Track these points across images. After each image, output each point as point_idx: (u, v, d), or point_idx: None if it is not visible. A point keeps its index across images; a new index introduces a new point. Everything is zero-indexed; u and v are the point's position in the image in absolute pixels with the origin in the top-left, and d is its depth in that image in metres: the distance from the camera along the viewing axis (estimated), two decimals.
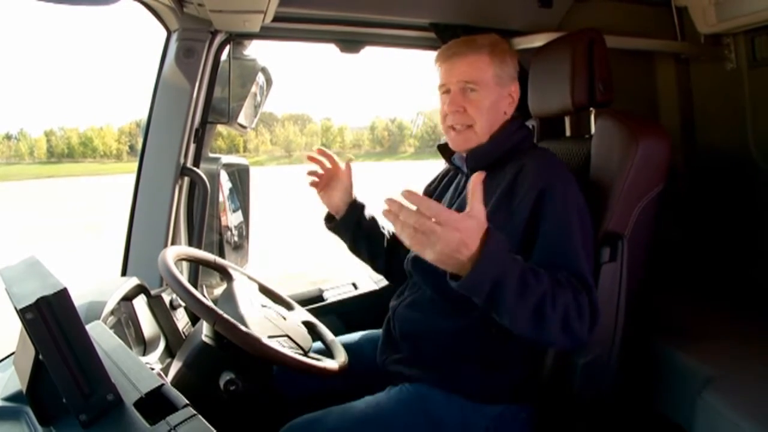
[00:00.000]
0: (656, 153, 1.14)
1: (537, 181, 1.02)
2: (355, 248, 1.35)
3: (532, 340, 0.92)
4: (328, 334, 1.27)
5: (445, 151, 1.24)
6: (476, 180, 0.81)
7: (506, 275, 0.82)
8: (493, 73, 1.11)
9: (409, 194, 0.78)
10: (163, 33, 1.51)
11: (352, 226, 1.32)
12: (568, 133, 1.48)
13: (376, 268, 1.39)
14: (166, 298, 1.33)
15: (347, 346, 1.25)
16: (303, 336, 1.13)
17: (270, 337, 1.02)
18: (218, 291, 1.64)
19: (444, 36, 1.69)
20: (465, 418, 1.05)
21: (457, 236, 0.78)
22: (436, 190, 1.30)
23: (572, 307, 0.88)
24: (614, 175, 1.13)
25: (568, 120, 1.47)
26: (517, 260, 0.85)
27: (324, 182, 1.30)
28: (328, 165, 1.30)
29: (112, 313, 1.12)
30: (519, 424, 1.09)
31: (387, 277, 1.41)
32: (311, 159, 1.30)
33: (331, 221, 1.35)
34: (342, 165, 1.30)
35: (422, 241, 0.79)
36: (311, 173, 1.30)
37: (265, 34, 1.58)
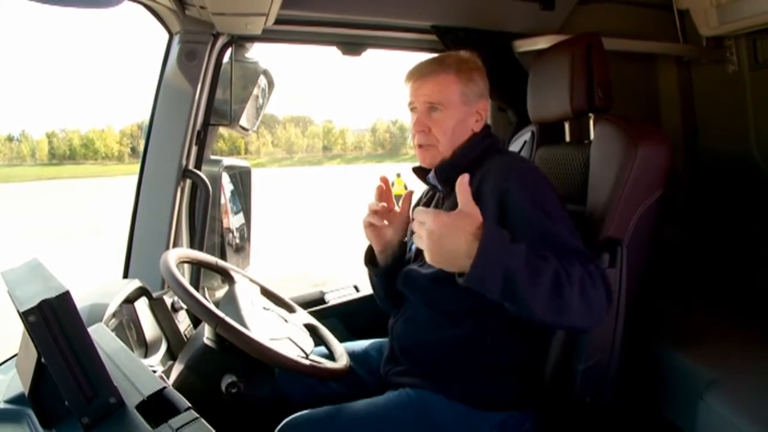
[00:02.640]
0: (656, 158, 1.14)
1: (498, 181, 1.02)
2: (387, 291, 1.24)
3: (554, 326, 0.91)
4: (329, 337, 1.27)
5: (420, 172, 1.22)
6: (462, 181, 0.86)
7: (513, 261, 0.83)
8: (459, 92, 1.11)
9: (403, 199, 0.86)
10: (165, 35, 1.51)
11: (400, 267, 1.19)
12: (567, 138, 1.48)
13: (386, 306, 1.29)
14: (168, 300, 1.33)
15: (353, 352, 1.24)
16: (304, 338, 1.13)
17: (271, 339, 1.02)
18: (220, 293, 1.64)
19: (445, 39, 1.69)
20: (466, 423, 1.05)
21: (445, 229, 0.82)
22: None
23: (586, 277, 0.87)
24: (613, 181, 1.13)
25: (567, 125, 1.47)
26: (521, 246, 0.85)
27: (382, 219, 1.18)
28: (385, 203, 1.18)
29: (113, 315, 1.12)
30: None
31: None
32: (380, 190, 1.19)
33: (374, 263, 1.23)
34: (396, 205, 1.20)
35: (423, 243, 0.84)
36: (374, 210, 1.17)
37: (267, 36, 1.58)
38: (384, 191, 1.19)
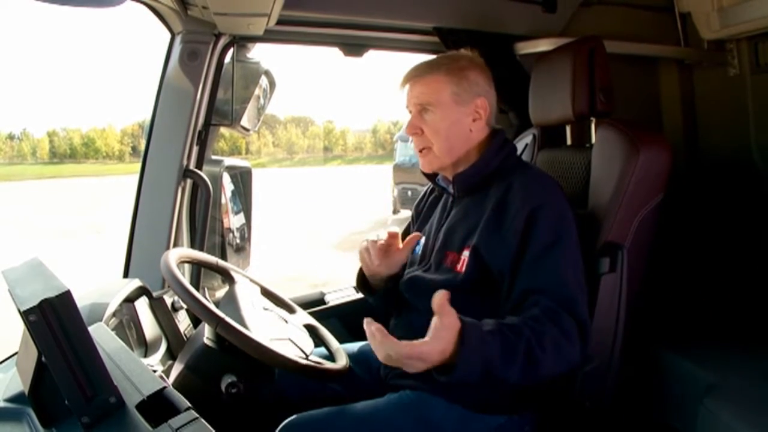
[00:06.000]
0: (657, 163, 1.14)
1: (528, 201, 1.01)
2: (386, 307, 1.26)
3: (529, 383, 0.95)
4: (329, 338, 1.27)
5: (429, 173, 1.22)
6: (440, 300, 0.85)
7: (490, 356, 0.86)
8: (450, 92, 1.08)
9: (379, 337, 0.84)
10: (167, 35, 1.51)
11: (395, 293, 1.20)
12: (568, 142, 1.48)
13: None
14: (168, 300, 1.33)
15: (353, 353, 1.24)
16: (304, 339, 1.13)
17: (271, 340, 1.02)
18: (220, 293, 1.64)
19: (447, 40, 1.69)
20: (465, 426, 1.05)
21: (437, 353, 0.83)
22: (424, 209, 1.29)
23: (559, 336, 0.90)
24: (615, 185, 1.13)
25: (568, 129, 1.47)
26: (494, 333, 0.87)
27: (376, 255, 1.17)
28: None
29: (114, 314, 1.12)
30: None
31: None
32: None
33: (369, 290, 1.26)
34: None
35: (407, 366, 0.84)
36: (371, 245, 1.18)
37: (269, 37, 1.58)
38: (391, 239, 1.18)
